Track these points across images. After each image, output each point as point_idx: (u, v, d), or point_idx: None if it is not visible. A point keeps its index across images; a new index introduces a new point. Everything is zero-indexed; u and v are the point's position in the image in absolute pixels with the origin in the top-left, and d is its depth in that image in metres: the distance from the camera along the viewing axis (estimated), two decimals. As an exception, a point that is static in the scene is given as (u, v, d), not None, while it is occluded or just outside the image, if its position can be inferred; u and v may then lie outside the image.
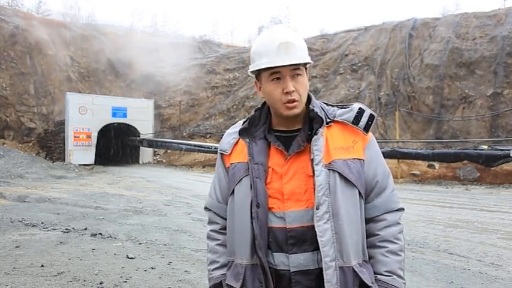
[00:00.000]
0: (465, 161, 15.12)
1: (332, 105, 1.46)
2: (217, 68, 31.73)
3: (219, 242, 1.52)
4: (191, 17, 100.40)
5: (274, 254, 1.33)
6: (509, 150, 13.86)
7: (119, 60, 32.18)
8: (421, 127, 20.86)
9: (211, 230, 1.56)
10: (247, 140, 1.41)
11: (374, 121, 1.40)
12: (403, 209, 1.44)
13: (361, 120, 1.38)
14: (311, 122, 1.38)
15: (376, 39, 25.79)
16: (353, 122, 1.38)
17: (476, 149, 14.86)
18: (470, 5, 74.99)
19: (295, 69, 1.33)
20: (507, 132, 18.33)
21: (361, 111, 1.39)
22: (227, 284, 1.42)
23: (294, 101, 1.34)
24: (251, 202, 1.33)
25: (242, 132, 1.43)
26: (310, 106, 1.38)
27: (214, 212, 1.55)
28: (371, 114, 1.40)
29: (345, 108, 1.43)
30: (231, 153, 1.46)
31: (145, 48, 33.51)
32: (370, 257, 1.38)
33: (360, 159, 1.36)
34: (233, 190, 1.41)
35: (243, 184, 1.37)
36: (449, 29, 23.22)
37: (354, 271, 1.29)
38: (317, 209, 1.28)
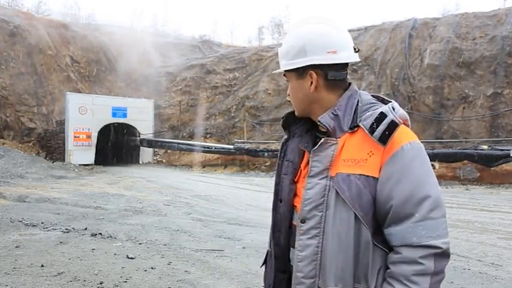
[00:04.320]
0: (465, 161, 15.12)
1: (383, 100, 1.27)
2: (217, 68, 31.70)
3: None
4: (191, 17, 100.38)
5: (292, 249, 1.35)
6: (509, 150, 13.86)
7: (119, 60, 32.15)
8: (421, 127, 20.84)
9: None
10: (286, 136, 1.44)
11: (396, 130, 1.15)
12: (436, 247, 1.12)
13: (378, 128, 1.15)
14: None
15: (376, 39, 25.78)
16: (369, 130, 1.17)
17: (476, 149, 14.86)
18: (470, 5, 75.00)
19: (285, 75, 1.36)
20: (507, 132, 18.31)
21: (381, 117, 1.17)
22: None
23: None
24: (276, 196, 1.41)
25: (284, 129, 1.46)
26: (326, 112, 1.25)
27: None
28: (392, 121, 1.15)
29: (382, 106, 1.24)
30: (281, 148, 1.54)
31: (145, 48, 33.46)
32: None
33: (368, 176, 1.16)
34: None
35: (275, 179, 1.45)
36: (449, 29, 23.21)
37: None
38: (302, 222, 1.22)
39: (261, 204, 9.83)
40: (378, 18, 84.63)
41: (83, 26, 36.25)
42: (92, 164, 23.07)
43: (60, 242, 5.69)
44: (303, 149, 1.35)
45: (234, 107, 27.84)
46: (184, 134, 27.63)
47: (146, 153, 26.78)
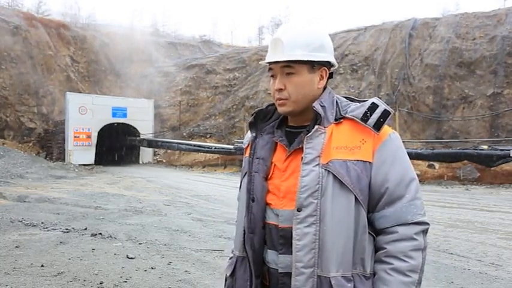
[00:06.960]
0: (465, 161, 15.13)
1: (352, 100, 1.35)
2: (217, 68, 31.72)
3: None
4: (191, 17, 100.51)
5: (268, 251, 1.31)
6: (509, 150, 13.86)
7: (119, 60, 32.17)
8: (421, 127, 20.86)
9: (235, 221, 1.60)
10: (254, 134, 1.41)
11: (388, 118, 1.24)
12: (425, 223, 1.23)
13: (372, 116, 1.24)
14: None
15: (376, 39, 25.79)
16: (362, 118, 1.24)
17: (476, 149, 14.85)
18: (470, 5, 75.06)
19: (285, 66, 1.28)
20: (507, 132, 18.33)
21: (373, 107, 1.25)
22: (225, 273, 1.48)
23: (280, 99, 1.30)
24: (247, 196, 1.34)
25: (251, 126, 1.42)
26: (316, 102, 1.29)
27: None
28: (385, 110, 1.24)
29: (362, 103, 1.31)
30: (247, 146, 1.46)
31: (145, 48, 33.48)
32: (374, 273, 1.25)
33: (364, 161, 1.23)
34: (241, 183, 1.44)
35: (246, 177, 1.38)
36: (449, 29, 23.22)
37: (330, 283, 1.18)
38: (298, 210, 1.22)
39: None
40: (378, 18, 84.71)
41: (83, 26, 36.28)
42: (91, 164, 23.09)
43: (60, 242, 5.68)
44: (274, 145, 1.36)
45: (234, 107, 27.85)
46: (184, 134, 27.64)
47: (146, 153, 26.80)
